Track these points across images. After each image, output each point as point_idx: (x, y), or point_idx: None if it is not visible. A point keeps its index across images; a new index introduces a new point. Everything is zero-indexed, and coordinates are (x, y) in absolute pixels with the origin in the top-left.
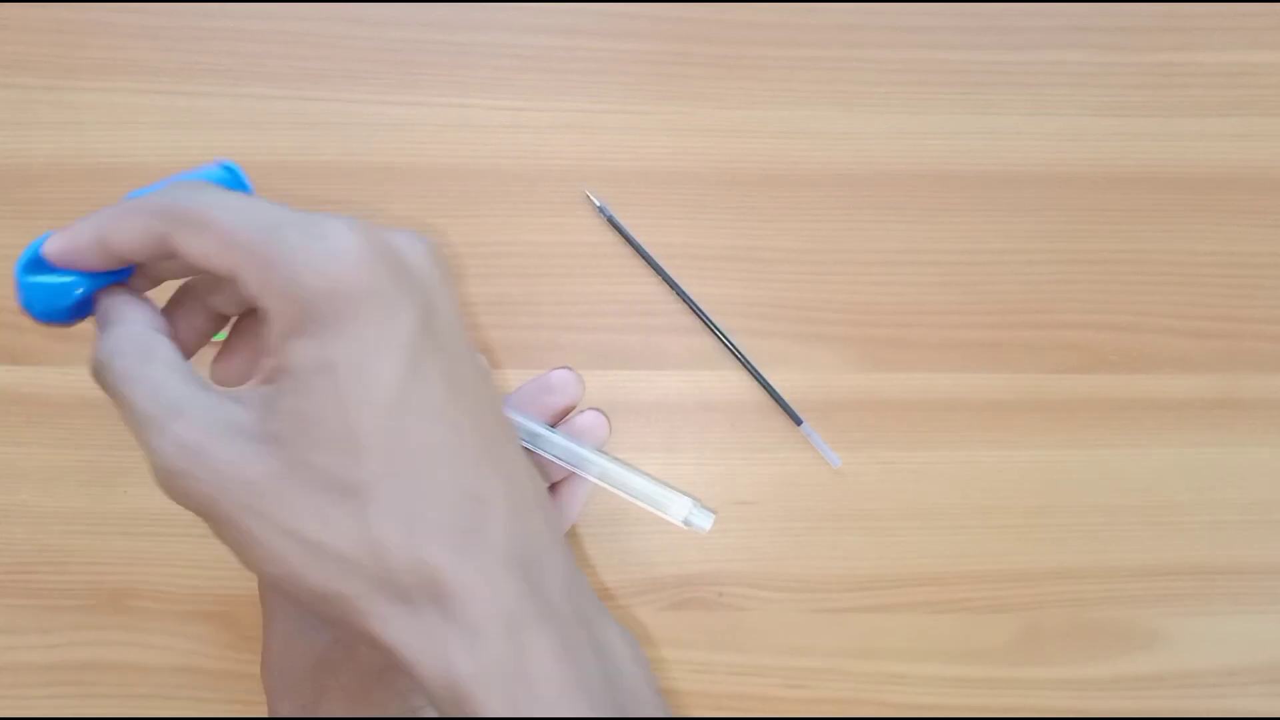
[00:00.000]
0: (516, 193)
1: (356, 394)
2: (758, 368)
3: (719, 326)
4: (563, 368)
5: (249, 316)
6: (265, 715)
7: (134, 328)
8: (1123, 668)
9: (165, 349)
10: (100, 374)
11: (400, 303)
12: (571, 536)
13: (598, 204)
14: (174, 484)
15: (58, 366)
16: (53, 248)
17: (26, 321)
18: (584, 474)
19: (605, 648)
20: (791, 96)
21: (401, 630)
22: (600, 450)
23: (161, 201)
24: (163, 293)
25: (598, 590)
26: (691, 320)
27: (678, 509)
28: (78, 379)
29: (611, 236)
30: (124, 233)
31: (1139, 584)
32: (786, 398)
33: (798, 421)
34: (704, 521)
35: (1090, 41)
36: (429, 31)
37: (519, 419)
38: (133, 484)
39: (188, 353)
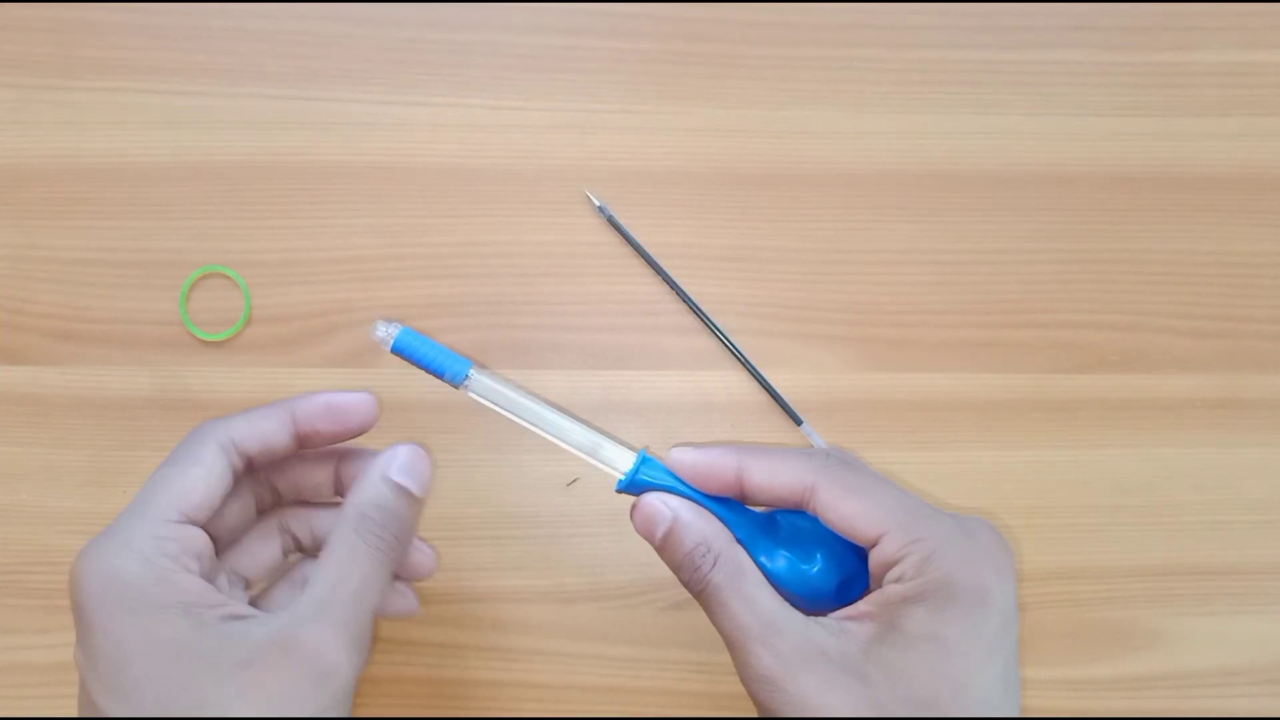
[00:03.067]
0: (516, 193)
1: (956, 670)
2: (758, 368)
3: (719, 326)
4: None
5: None
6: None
7: (729, 547)
8: (1123, 668)
9: (751, 567)
10: (701, 579)
11: (1001, 598)
12: (571, 537)
13: (598, 204)
14: (763, 690)
15: (58, 366)
16: (687, 459)
17: (26, 321)
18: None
19: None
20: (791, 96)
21: None
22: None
23: (814, 462)
24: None
25: (599, 591)
26: (691, 320)
27: (623, 462)
28: (78, 379)
29: (611, 236)
30: (770, 477)
31: (1139, 584)
32: (786, 398)
33: (798, 422)
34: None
35: (1090, 41)
36: (429, 31)
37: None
38: (132, 484)
39: None
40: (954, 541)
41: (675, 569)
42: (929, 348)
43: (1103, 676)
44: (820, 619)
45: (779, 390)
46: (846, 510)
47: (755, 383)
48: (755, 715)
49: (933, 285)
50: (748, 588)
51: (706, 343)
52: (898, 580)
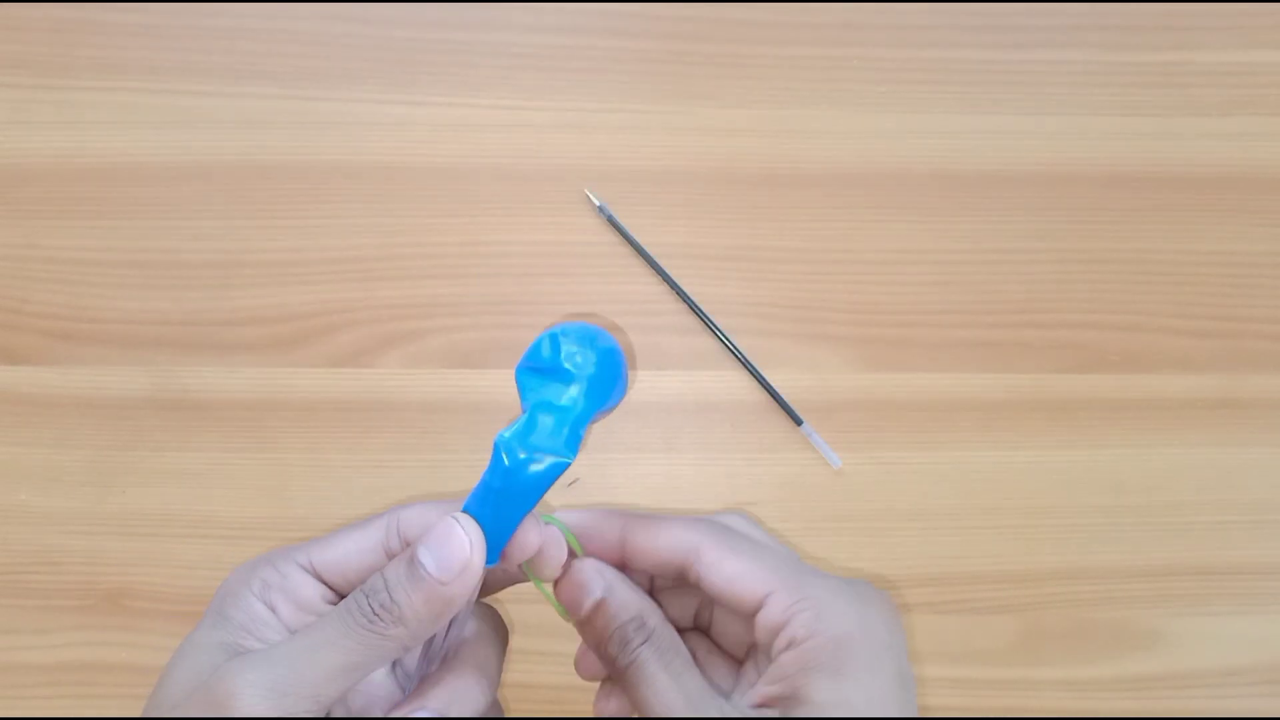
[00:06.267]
0: (516, 193)
1: None
2: (758, 368)
3: (719, 326)
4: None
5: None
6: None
7: (662, 624)
8: (1123, 668)
9: (682, 646)
10: (630, 653)
11: (896, 656)
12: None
13: (598, 204)
14: None
15: (58, 366)
16: (572, 520)
17: (26, 321)
18: None
19: None
20: (791, 96)
21: None
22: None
23: (699, 525)
24: None
25: None
26: (691, 320)
27: None
28: (78, 379)
29: (611, 236)
30: (653, 540)
31: (1139, 584)
32: (787, 398)
33: (798, 422)
34: None
35: (1090, 41)
36: (429, 31)
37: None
38: (130, 484)
39: None
40: (840, 597)
41: (600, 641)
42: (929, 348)
43: (1103, 676)
44: (734, 704)
45: (779, 390)
46: (730, 570)
47: (755, 383)
48: None
49: (933, 285)
50: (678, 665)
51: (706, 343)
52: (789, 647)
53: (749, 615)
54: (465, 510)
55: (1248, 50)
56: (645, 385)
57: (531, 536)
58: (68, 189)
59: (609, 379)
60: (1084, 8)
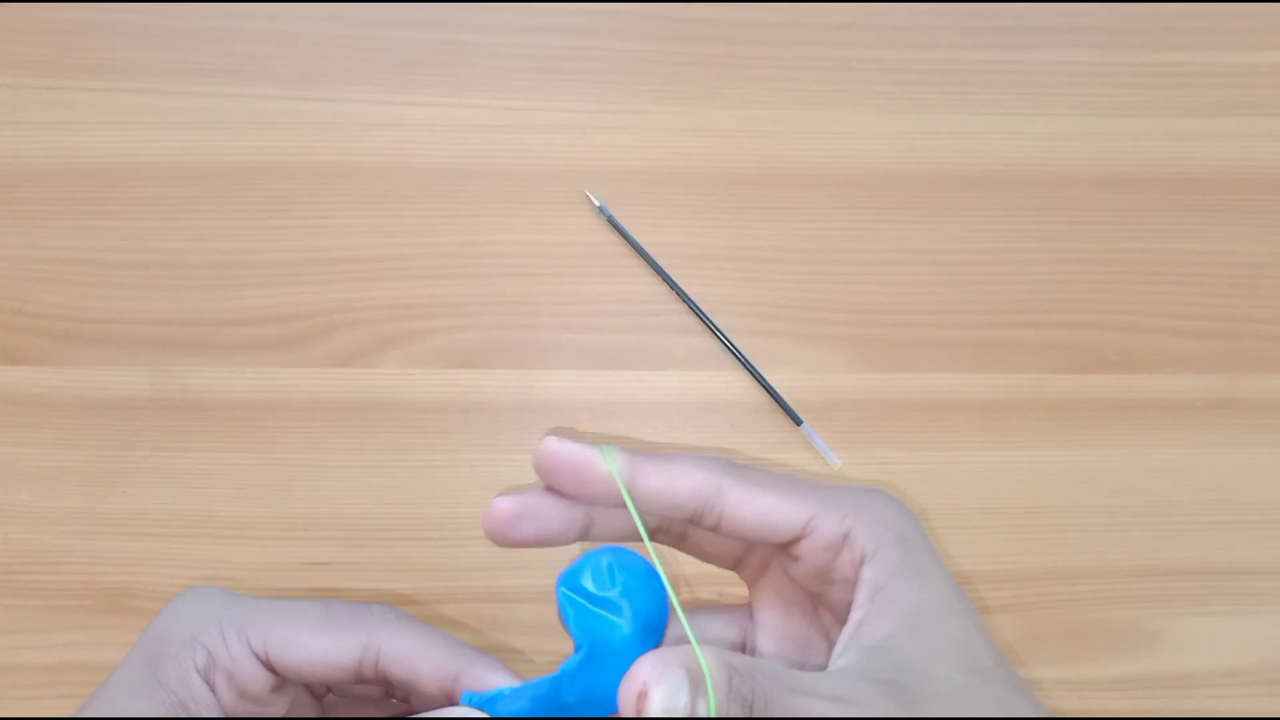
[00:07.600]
0: (516, 193)
1: (961, 622)
2: (758, 368)
3: (719, 326)
4: None
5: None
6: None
7: (739, 661)
8: (1123, 668)
9: (788, 670)
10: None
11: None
12: None
13: (597, 204)
14: None
15: (58, 366)
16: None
17: (26, 321)
18: None
19: None
20: (791, 96)
21: None
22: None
23: (715, 464)
24: None
25: None
26: (691, 320)
27: None
28: (78, 379)
29: (611, 236)
30: (670, 480)
31: (1139, 584)
32: (786, 398)
33: (798, 422)
34: None
35: (1090, 41)
36: (429, 31)
37: None
38: (131, 485)
39: None
40: (873, 501)
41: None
42: (929, 348)
43: (1103, 676)
44: (846, 662)
45: (779, 390)
46: (762, 505)
47: (755, 383)
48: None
49: (933, 285)
50: (805, 684)
51: (706, 343)
52: (866, 560)
53: (784, 545)
54: (488, 707)
55: (1248, 50)
56: (645, 385)
57: None
58: (68, 189)
59: (655, 615)
60: (1084, 8)
